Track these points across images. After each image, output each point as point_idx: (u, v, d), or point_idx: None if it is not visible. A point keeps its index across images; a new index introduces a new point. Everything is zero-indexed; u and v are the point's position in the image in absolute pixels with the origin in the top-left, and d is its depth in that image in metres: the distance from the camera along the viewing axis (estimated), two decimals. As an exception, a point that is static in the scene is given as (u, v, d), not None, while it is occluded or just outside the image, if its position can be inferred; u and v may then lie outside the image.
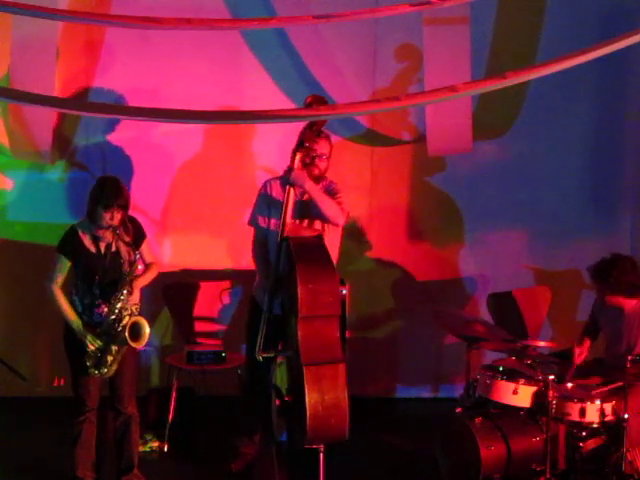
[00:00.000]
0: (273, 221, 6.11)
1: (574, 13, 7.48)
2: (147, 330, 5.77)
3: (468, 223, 7.76)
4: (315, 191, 6.00)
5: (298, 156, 5.96)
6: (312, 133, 5.94)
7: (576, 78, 7.23)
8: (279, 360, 5.84)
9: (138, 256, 5.78)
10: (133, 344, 5.75)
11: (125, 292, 5.75)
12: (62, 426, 6.16)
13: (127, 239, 5.77)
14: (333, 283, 5.66)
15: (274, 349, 5.86)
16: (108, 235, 5.78)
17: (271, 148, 7.36)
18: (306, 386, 5.46)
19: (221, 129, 7.40)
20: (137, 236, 5.86)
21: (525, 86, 7.41)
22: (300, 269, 5.59)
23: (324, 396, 5.50)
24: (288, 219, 5.89)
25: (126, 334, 5.70)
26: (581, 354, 6.37)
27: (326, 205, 6.01)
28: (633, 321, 6.19)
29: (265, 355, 5.79)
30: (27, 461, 6.43)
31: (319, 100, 5.84)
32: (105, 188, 5.72)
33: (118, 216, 5.70)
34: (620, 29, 4.15)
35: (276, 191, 6.14)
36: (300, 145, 5.96)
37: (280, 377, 5.85)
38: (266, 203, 6.16)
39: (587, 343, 6.44)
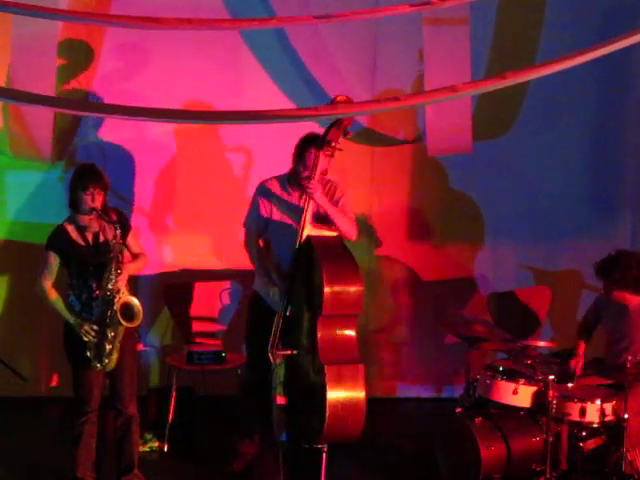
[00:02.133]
0: (275, 212, 6.05)
1: (574, 13, 7.49)
2: (139, 309, 5.75)
3: (468, 223, 7.76)
4: (330, 209, 5.93)
5: (322, 157, 5.78)
6: (339, 132, 5.76)
7: (576, 78, 7.23)
8: (279, 360, 5.83)
9: (119, 231, 5.72)
10: (127, 324, 5.74)
11: (113, 271, 5.72)
12: (62, 426, 6.16)
13: (109, 219, 5.74)
14: (358, 282, 5.68)
15: (288, 347, 5.82)
16: (94, 223, 5.78)
17: (268, 145, 7.39)
18: (327, 385, 5.47)
19: (218, 129, 7.40)
20: (122, 227, 5.84)
21: (525, 86, 7.41)
22: (326, 268, 5.59)
23: (344, 396, 5.51)
24: (309, 212, 5.81)
25: (118, 316, 5.71)
26: (578, 363, 6.36)
27: (340, 222, 5.95)
28: (637, 318, 6.19)
29: (282, 353, 5.77)
30: (27, 461, 6.43)
31: (347, 101, 5.66)
32: (81, 172, 5.79)
33: (99, 198, 5.71)
34: (621, 28, 4.15)
35: (275, 193, 6.08)
36: (326, 144, 5.75)
37: (279, 376, 5.84)
38: (266, 204, 6.07)
39: (582, 348, 6.42)
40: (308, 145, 5.91)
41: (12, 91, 5.21)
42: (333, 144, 5.77)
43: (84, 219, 5.78)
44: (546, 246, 7.80)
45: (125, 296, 5.76)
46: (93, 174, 5.75)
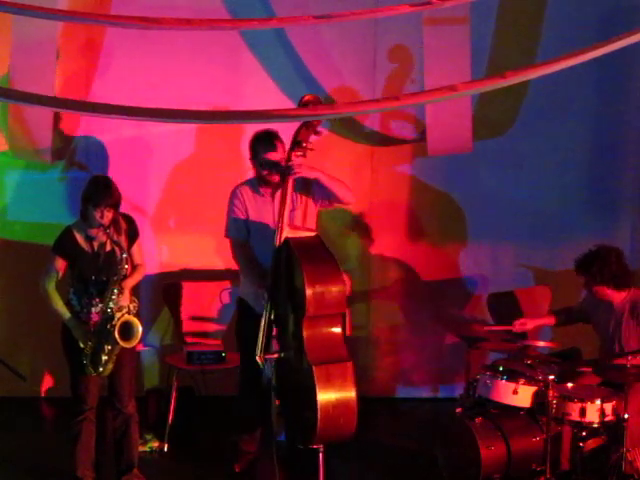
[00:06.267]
0: (252, 214, 6.09)
1: (574, 13, 7.48)
2: (138, 329, 5.77)
3: (468, 223, 7.76)
4: (320, 175, 5.96)
5: (294, 156, 5.88)
6: (309, 132, 5.87)
7: (576, 78, 7.23)
8: (268, 363, 5.82)
9: (125, 255, 5.77)
10: (123, 344, 5.75)
11: (115, 291, 5.76)
12: (62, 426, 6.16)
13: (117, 238, 5.79)
14: (339, 281, 5.67)
15: (275, 350, 5.83)
16: (101, 235, 5.81)
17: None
18: (317, 385, 5.46)
19: (218, 129, 7.40)
20: (130, 235, 5.89)
21: (525, 85, 7.41)
22: (306, 269, 5.57)
23: (334, 395, 5.51)
24: (286, 214, 5.84)
25: (115, 333, 5.71)
26: (524, 324, 6.44)
27: (337, 186, 6.01)
28: (622, 314, 6.20)
29: (268, 357, 5.78)
30: (27, 461, 6.43)
31: (316, 100, 5.82)
32: (95, 187, 5.80)
33: (109, 215, 5.74)
34: (620, 29, 4.15)
35: (247, 197, 6.12)
36: (297, 144, 5.87)
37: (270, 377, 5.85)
38: (242, 209, 6.11)
39: (541, 320, 6.56)
40: (262, 144, 6.03)
41: (12, 91, 5.21)
42: (304, 144, 5.87)
43: (92, 231, 5.82)
44: (546, 246, 7.80)
45: (127, 315, 5.78)
46: (105, 191, 5.75)
